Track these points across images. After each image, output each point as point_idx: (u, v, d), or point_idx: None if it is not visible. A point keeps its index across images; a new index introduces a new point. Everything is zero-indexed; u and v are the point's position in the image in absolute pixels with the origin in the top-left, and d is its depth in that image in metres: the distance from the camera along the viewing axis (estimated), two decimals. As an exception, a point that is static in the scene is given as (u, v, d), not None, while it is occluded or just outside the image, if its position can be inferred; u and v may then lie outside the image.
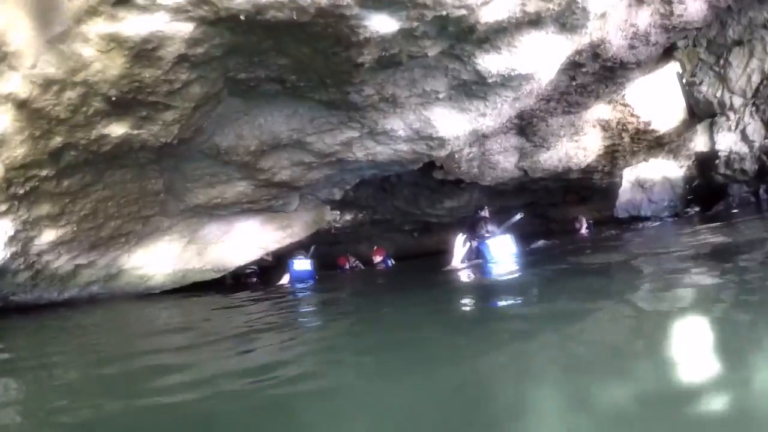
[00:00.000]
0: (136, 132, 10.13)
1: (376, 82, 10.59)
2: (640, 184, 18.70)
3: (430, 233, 26.65)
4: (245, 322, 8.81)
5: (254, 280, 19.96)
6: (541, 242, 17.29)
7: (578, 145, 19.48)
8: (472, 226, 11.52)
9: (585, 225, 20.98)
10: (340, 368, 4.26)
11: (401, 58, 9.68)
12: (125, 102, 9.30)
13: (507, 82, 11.40)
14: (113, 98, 9.07)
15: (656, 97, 18.67)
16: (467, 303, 7.68)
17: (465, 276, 10.47)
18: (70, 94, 9.06)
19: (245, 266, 19.12)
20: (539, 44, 10.65)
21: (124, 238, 14.21)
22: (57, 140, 9.97)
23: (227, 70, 9.58)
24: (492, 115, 12.75)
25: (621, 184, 19.19)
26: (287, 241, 18.00)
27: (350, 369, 4.20)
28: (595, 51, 14.16)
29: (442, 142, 13.13)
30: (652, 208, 18.50)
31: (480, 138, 17.58)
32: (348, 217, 24.18)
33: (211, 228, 16.29)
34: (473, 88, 11.52)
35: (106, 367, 5.73)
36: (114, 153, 10.67)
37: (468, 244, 11.88)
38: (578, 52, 13.76)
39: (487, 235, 11.12)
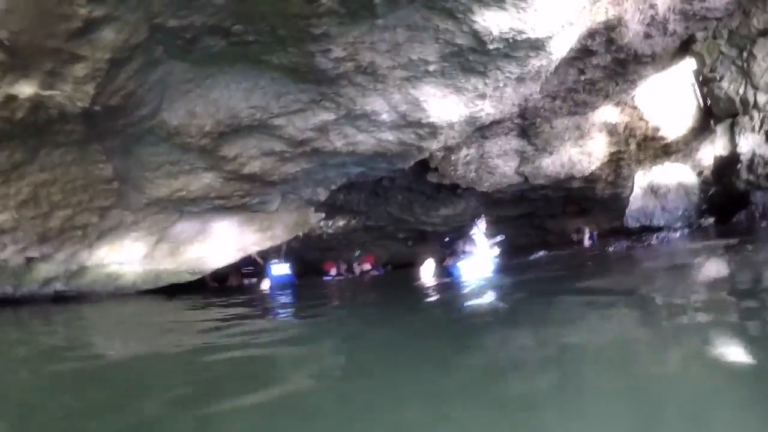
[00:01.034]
0: (47, 93, 7.66)
1: (347, 42, 7.94)
2: (653, 191, 15.67)
3: (425, 242, 23.91)
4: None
5: (254, 280, 17.16)
6: (541, 253, 14.61)
7: (582, 151, 16.83)
8: (450, 244, 10.62)
9: (587, 236, 18.21)
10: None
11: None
12: (23, 50, 6.86)
13: (511, 51, 8.74)
14: (6, 42, 6.68)
15: (666, 102, 16.20)
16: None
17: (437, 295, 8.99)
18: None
19: (233, 267, 16.76)
20: (553, 1, 7.95)
21: (81, 231, 11.92)
22: (-40, 103, 7.70)
23: (151, 13, 6.92)
24: (493, 98, 10.14)
25: (632, 190, 16.11)
26: (268, 244, 15.47)
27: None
28: (609, 35, 11.47)
29: (433, 129, 10.46)
30: (665, 218, 15.41)
31: (478, 137, 15.09)
32: (340, 222, 21.62)
33: (183, 226, 13.90)
34: (470, 59, 8.84)
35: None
36: (35, 123, 8.29)
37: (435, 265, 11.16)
38: (592, 34, 11.16)
39: (462, 255, 10.09)
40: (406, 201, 19.96)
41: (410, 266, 21.20)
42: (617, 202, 19.34)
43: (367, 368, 4.17)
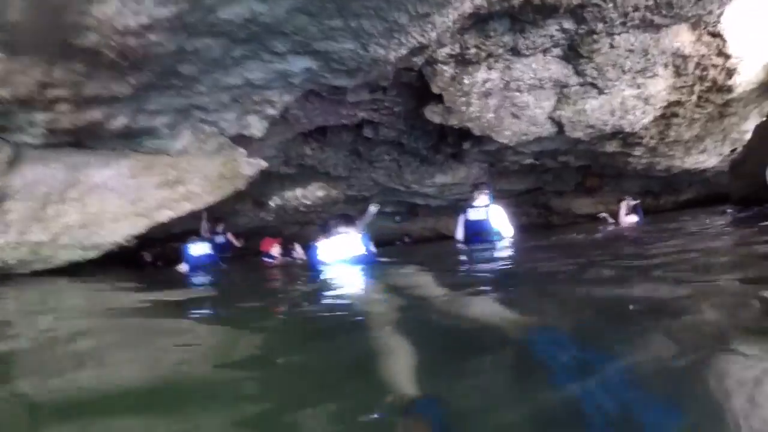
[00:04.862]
0: None
1: None
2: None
3: (415, 218, 16.11)
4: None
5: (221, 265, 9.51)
6: (610, 228, 6.80)
7: (640, 94, 9.03)
8: (324, 226, 5.19)
9: (630, 209, 10.28)
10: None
11: None
12: None
13: None
14: None
15: (749, 38, 8.77)
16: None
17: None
18: None
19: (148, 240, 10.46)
20: None
21: None
22: None
23: None
24: None
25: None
26: (186, 208, 7.85)
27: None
28: None
29: None
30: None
31: (506, 52, 7.27)
32: (319, 192, 13.69)
33: (34, 174, 6.62)
34: None
35: None
36: None
37: None
38: None
39: (332, 234, 4.82)
40: (394, 165, 12.10)
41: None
42: (639, 179, 12.50)
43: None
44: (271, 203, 13.99)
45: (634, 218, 10.09)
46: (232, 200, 13.20)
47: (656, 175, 12.26)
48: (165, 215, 7.62)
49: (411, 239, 16.74)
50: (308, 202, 14.12)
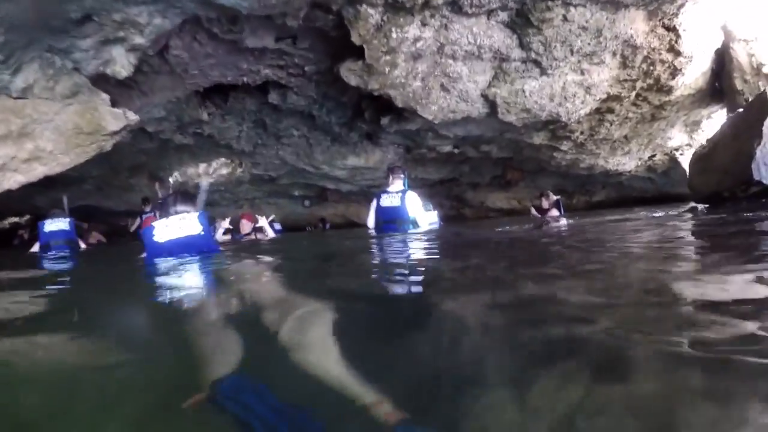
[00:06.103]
0: None
1: None
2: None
3: (325, 204, 14.47)
4: None
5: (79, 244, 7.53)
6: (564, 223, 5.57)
7: (583, 81, 7.81)
8: (162, 205, 4.29)
9: (552, 203, 9.55)
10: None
11: None
12: None
13: None
14: None
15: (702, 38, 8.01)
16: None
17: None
18: None
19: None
20: None
21: None
22: None
23: None
24: None
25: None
26: (38, 172, 5.67)
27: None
28: None
29: None
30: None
31: (445, 5, 5.71)
32: (223, 170, 11.85)
33: None
34: None
35: None
36: None
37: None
38: None
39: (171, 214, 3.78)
40: (304, 142, 10.43)
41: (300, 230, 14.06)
42: (555, 177, 12.00)
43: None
44: (171, 180, 12.01)
45: (555, 212, 9.40)
46: (126, 173, 11.18)
47: (576, 173, 11.36)
48: (13, 181, 5.53)
49: (328, 224, 14.88)
50: (211, 181, 12.24)
